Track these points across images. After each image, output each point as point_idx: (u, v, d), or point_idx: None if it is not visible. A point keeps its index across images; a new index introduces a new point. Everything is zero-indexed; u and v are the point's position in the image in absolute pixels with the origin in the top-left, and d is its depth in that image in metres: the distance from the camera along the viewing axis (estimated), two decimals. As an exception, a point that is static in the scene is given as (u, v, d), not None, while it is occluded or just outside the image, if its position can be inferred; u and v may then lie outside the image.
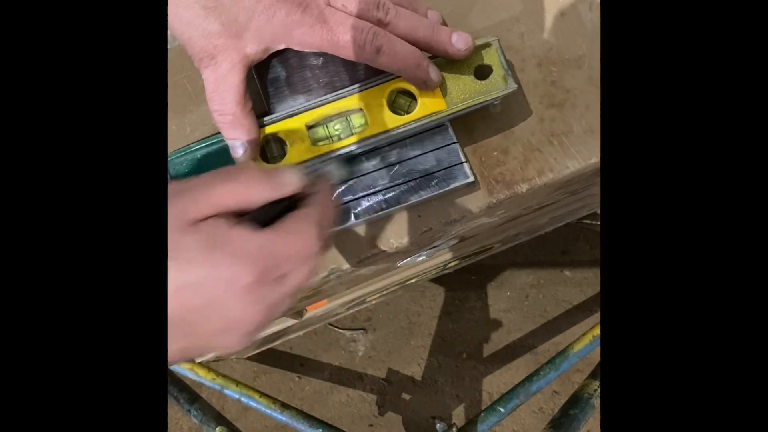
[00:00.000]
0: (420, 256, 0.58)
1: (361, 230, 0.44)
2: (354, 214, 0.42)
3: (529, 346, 1.31)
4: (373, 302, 1.19)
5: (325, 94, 0.41)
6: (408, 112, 0.41)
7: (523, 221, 0.67)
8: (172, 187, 0.30)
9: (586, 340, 0.87)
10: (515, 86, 0.41)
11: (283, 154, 0.41)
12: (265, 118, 0.41)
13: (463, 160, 0.42)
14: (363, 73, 0.42)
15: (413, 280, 0.94)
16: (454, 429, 0.88)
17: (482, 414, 0.83)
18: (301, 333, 1.25)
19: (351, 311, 1.21)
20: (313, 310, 0.87)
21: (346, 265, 0.43)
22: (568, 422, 0.75)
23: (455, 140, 0.43)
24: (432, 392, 1.30)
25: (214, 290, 0.29)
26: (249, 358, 1.32)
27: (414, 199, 0.42)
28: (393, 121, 0.41)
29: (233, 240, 0.29)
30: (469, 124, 0.44)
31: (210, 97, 0.40)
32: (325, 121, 0.41)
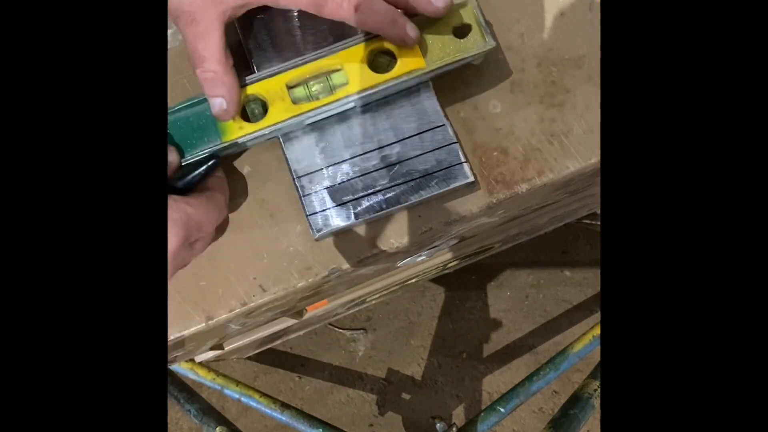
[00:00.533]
0: (420, 256, 0.58)
1: (361, 230, 0.44)
2: (354, 214, 0.42)
3: (529, 346, 1.31)
4: (373, 302, 1.19)
5: (305, 54, 0.42)
6: (388, 71, 0.41)
7: (523, 221, 0.67)
8: None
9: (586, 340, 0.87)
10: (493, 43, 0.41)
11: (264, 113, 0.42)
12: (246, 78, 0.41)
13: (463, 160, 0.42)
14: (343, 33, 0.42)
15: (413, 280, 0.94)
16: (454, 429, 0.88)
17: (482, 414, 0.83)
18: (301, 333, 1.25)
19: (351, 311, 1.21)
20: (313, 310, 0.87)
21: (346, 265, 0.43)
22: (568, 422, 0.75)
23: (455, 140, 0.43)
24: (432, 392, 1.30)
25: None
26: (249, 358, 1.32)
27: (414, 199, 0.42)
28: (372, 79, 0.41)
29: (169, 207, 0.35)
30: (469, 124, 0.44)
31: (191, 54, 0.40)
32: (306, 80, 0.42)
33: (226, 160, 0.44)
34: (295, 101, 0.41)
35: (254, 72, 0.42)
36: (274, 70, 0.41)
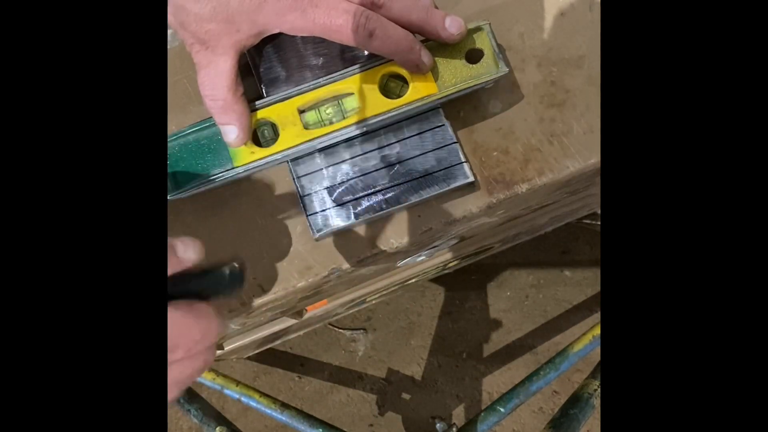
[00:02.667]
0: (420, 256, 0.58)
1: (361, 230, 0.44)
2: (354, 214, 0.42)
3: (529, 346, 1.31)
4: (373, 302, 1.19)
5: (317, 78, 0.41)
6: (399, 96, 0.41)
7: (523, 221, 0.67)
8: None
9: (586, 340, 0.87)
10: (506, 69, 0.41)
11: (276, 137, 0.41)
12: (257, 102, 0.41)
13: (463, 160, 0.42)
14: (355, 57, 0.42)
15: (413, 280, 0.94)
16: (454, 429, 0.88)
17: (482, 414, 0.83)
18: (301, 333, 1.25)
19: (351, 311, 1.21)
20: (313, 310, 0.87)
21: (346, 265, 0.43)
22: (568, 422, 0.75)
23: (455, 140, 0.43)
24: (432, 392, 1.30)
25: None
26: (249, 358, 1.32)
27: (414, 199, 0.42)
28: (385, 104, 0.41)
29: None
30: (469, 124, 0.44)
31: (201, 82, 0.40)
32: (317, 104, 0.42)
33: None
34: (306, 126, 0.41)
35: (264, 96, 0.42)
36: (286, 94, 0.41)
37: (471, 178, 0.42)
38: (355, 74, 0.41)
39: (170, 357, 0.28)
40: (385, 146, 0.43)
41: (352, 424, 1.29)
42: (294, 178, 0.43)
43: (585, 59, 0.44)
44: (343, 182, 0.42)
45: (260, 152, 0.41)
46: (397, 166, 0.42)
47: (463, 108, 0.44)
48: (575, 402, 0.77)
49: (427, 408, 1.29)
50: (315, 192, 0.42)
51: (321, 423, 0.87)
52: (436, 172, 0.42)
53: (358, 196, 0.42)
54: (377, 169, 0.42)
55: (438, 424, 0.96)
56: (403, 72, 0.41)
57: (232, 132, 0.40)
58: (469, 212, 0.43)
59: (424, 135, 0.43)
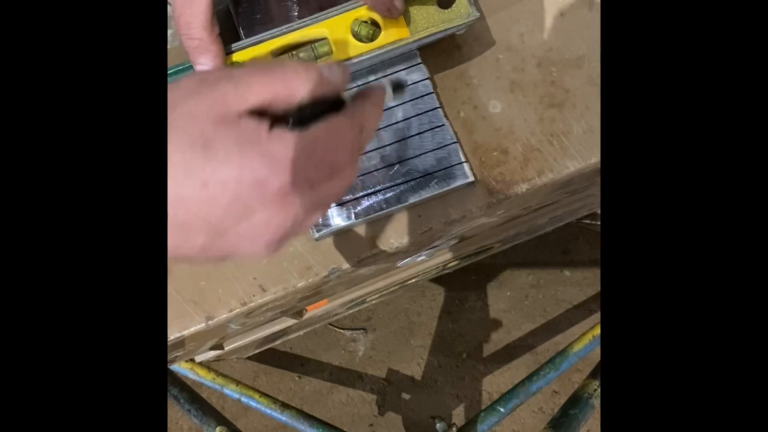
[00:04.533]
0: (420, 256, 0.58)
1: (361, 230, 0.44)
2: (354, 214, 0.42)
3: (529, 346, 1.31)
4: (373, 302, 1.19)
5: (291, 22, 0.42)
6: (372, 41, 0.42)
7: (523, 221, 0.67)
8: (209, 74, 0.28)
9: (586, 340, 0.87)
10: (477, 14, 0.42)
11: None
12: (233, 45, 0.42)
13: (463, 160, 0.42)
14: (332, 4, 0.42)
15: (413, 280, 0.94)
16: (454, 429, 0.88)
17: (482, 414, 0.83)
18: (301, 333, 1.25)
19: (351, 311, 1.21)
20: (313, 310, 0.87)
21: (346, 265, 0.43)
22: (567, 422, 0.75)
23: (455, 140, 0.43)
24: (432, 392, 1.30)
25: (241, 191, 0.26)
26: (249, 358, 1.32)
27: (414, 199, 0.42)
28: (357, 48, 0.42)
29: (269, 140, 0.26)
30: (469, 124, 0.44)
31: (177, 21, 0.40)
32: (291, 49, 0.42)
33: None
34: None
35: (242, 39, 0.43)
36: (260, 38, 0.42)
37: (471, 178, 0.42)
38: (327, 18, 0.42)
39: (309, 180, 0.27)
40: (385, 146, 0.43)
41: (352, 424, 1.29)
42: (294, 178, 0.43)
43: (585, 59, 0.44)
44: (343, 182, 0.42)
45: None
46: (397, 166, 0.42)
47: (463, 108, 0.44)
48: (575, 402, 0.77)
49: (427, 408, 1.29)
50: (315, 192, 0.42)
51: (321, 423, 0.87)
52: (436, 172, 0.42)
53: (358, 196, 0.42)
54: (377, 168, 0.42)
55: (438, 424, 0.96)
56: (376, 16, 0.42)
57: None
58: (469, 212, 0.43)
59: (424, 135, 0.43)
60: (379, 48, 0.41)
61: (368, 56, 0.41)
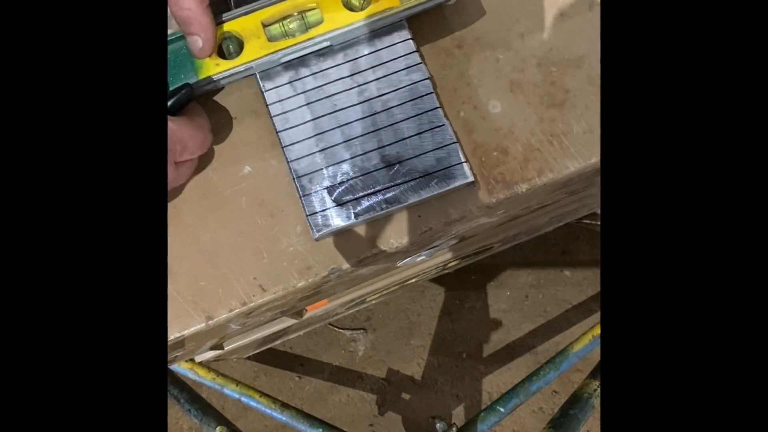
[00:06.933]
0: (420, 256, 0.58)
1: (361, 230, 0.44)
2: (354, 214, 0.42)
3: (529, 346, 1.31)
4: (373, 302, 1.19)
5: None
6: (362, 10, 0.42)
7: (523, 221, 0.67)
8: None
9: (585, 339, 0.87)
10: None
11: (240, 51, 0.42)
12: (223, 15, 0.42)
13: (463, 160, 0.42)
14: None
15: (413, 280, 0.94)
16: (454, 429, 0.88)
17: (482, 414, 0.83)
18: (301, 333, 1.25)
19: (351, 311, 1.21)
20: (313, 310, 0.87)
21: (346, 265, 0.43)
22: (567, 422, 0.75)
23: (455, 140, 0.43)
24: (432, 392, 1.30)
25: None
26: (249, 358, 1.32)
27: (414, 199, 0.42)
28: (347, 17, 0.42)
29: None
30: (469, 124, 0.44)
31: None
32: (281, 18, 0.43)
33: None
34: (271, 39, 0.42)
35: (232, 9, 0.43)
36: (250, 7, 0.42)
37: (471, 178, 0.42)
38: None
39: (180, 153, 0.39)
40: (385, 146, 0.43)
41: (352, 424, 1.29)
42: (294, 178, 0.43)
43: (585, 59, 0.44)
44: (343, 182, 0.42)
45: (225, 64, 0.42)
46: (397, 166, 0.42)
47: (463, 108, 0.44)
48: (575, 402, 0.77)
49: (426, 408, 1.29)
50: (315, 192, 0.42)
51: (321, 423, 0.87)
52: (436, 172, 0.42)
53: (358, 195, 0.42)
54: (377, 169, 0.42)
55: (438, 424, 0.96)
56: None
57: (197, 42, 0.41)
58: (469, 212, 0.43)
59: (424, 135, 0.43)
60: (369, 17, 0.42)
61: (358, 25, 0.42)
